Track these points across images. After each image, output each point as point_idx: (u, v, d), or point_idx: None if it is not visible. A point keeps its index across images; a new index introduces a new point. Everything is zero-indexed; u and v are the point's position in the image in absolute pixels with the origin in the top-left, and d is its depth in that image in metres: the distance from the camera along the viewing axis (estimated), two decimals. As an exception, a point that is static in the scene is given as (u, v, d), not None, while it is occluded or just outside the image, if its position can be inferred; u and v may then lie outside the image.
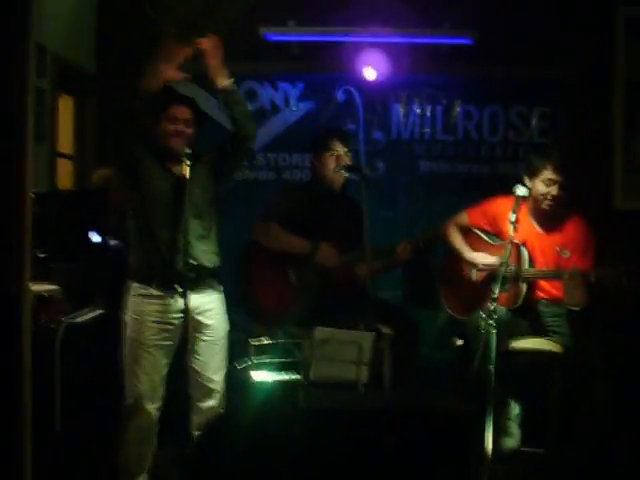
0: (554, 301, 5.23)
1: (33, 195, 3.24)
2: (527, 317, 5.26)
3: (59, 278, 4.83)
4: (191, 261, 4.58)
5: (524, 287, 5.17)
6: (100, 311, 5.09)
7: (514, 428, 5.35)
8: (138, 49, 6.22)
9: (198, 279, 4.67)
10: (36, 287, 4.45)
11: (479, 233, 5.50)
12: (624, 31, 6.99)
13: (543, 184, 5.16)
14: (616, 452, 5.13)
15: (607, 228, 5.88)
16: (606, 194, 6.98)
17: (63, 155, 6.71)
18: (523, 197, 4.94)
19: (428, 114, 7.32)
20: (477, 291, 5.31)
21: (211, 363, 4.77)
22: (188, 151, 4.55)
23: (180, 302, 4.54)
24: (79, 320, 4.83)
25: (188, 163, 4.52)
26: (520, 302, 5.17)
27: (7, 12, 2.82)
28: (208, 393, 4.77)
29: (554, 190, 5.14)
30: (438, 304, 5.64)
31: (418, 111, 7.31)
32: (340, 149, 5.64)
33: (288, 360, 5.31)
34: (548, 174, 5.15)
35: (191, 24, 6.05)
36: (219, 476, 4.61)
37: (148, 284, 4.64)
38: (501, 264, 4.83)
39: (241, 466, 4.73)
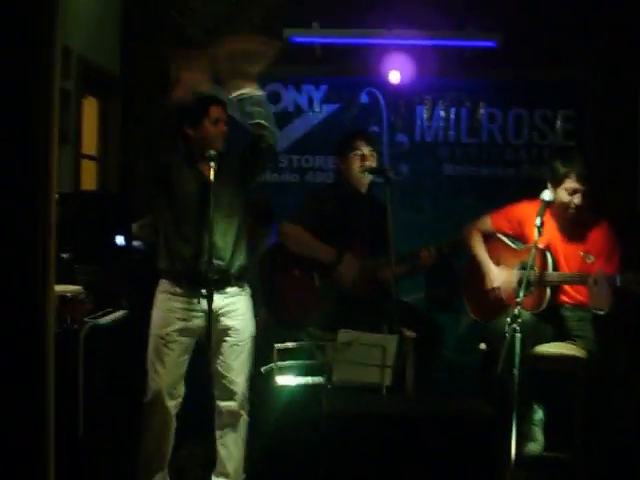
0: (578, 306, 5.20)
1: (57, 196, 3.25)
2: (551, 322, 5.23)
3: (83, 279, 4.85)
4: (217, 262, 4.59)
5: (548, 291, 5.14)
6: (123, 312, 5.10)
7: (538, 433, 5.33)
8: (163, 51, 6.26)
9: (223, 280, 4.68)
10: (60, 288, 4.47)
11: (503, 238, 5.47)
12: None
13: (566, 192, 5.12)
14: (638, 458, 5.10)
15: (633, 232, 5.86)
16: (632, 198, 6.95)
17: (87, 156, 6.73)
18: (549, 202, 4.91)
19: (452, 117, 7.32)
20: (499, 297, 5.28)
21: (234, 365, 4.77)
22: (213, 153, 4.55)
23: (204, 302, 4.55)
24: (102, 321, 4.84)
25: (213, 165, 4.53)
26: (544, 306, 5.14)
27: (33, 13, 2.83)
28: (231, 395, 4.77)
29: (577, 199, 5.11)
30: (461, 308, 5.63)
31: (442, 114, 7.31)
32: (365, 149, 5.62)
33: (312, 363, 5.31)
34: (571, 183, 5.10)
35: (215, 28, 6.07)
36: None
37: (175, 282, 4.67)
38: (524, 268, 4.81)
39: (265, 469, 4.75)
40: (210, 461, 4.87)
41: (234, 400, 4.77)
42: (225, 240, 4.70)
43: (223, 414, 4.79)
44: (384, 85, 7.14)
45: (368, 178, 5.61)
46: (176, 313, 4.65)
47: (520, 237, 5.37)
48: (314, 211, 5.64)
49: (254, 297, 4.94)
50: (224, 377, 4.76)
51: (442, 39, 7.02)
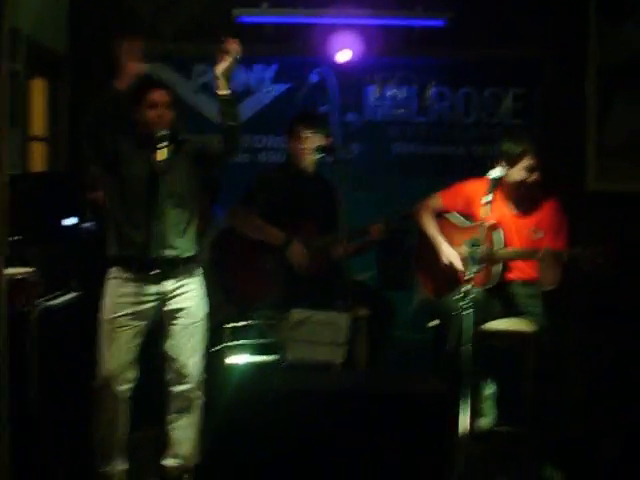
0: (528, 282, 5.26)
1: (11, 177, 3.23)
2: (501, 298, 5.29)
3: (33, 261, 4.82)
4: (167, 249, 4.58)
5: (498, 268, 5.19)
6: (75, 294, 5.08)
7: (489, 408, 5.39)
8: (110, 31, 6.21)
9: (174, 266, 4.65)
10: (10, 271, 4.44)
11: (453, 215, 5.51)
12: (596, 13, 7.02)
13: (524, 170, 5.16)
14: (589, 432, 5.18)
15: (580, 210, 5.92)
16: (579, 176, 7.03)
17: (36, 138, 6.68)
18: (497, 179, 4.95)
19: (402, 96, 7.34)
20: (452, 272, 5.32)
21: (185, 348, 4.74)
22: (163, 132, 4.52)
23: (154, 287, 4.56)
24: (54, 303, 4.83)
25: (164, 144, 4.49)
26: (494, 283, 5.20)
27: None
28: (184, 378, 4.75)
29: (534, 175, 5.16)
30: (413, 285, 5.66)
31: (392, 93, 7.32)
32: (307, 132, 5.66)
33: (263, 342, 5.33)
34: (529, 161, 5.16)
35: (165, 7, 6.03)
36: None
37: (125, 268, 4.63)
38: (474, 245, 4.85)
39: (218, 449, 4.76)
40: (164, 442, 4.86)
41: (187, 383, 4.75)
42: (175, 225, 4.66)
43: (177, 397, 4.77)
44: (334, 64, 7.13)
45: (315, 158, 5.63)
46: (127, 298, 4.60)
47: (469, 214, 5.41)
48: (263, 194, 5.67)
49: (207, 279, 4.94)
50: (176, 360, 4.73)
51: (391, 18, 7.03)
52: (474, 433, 4.99)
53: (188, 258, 4.73)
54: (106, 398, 4.62)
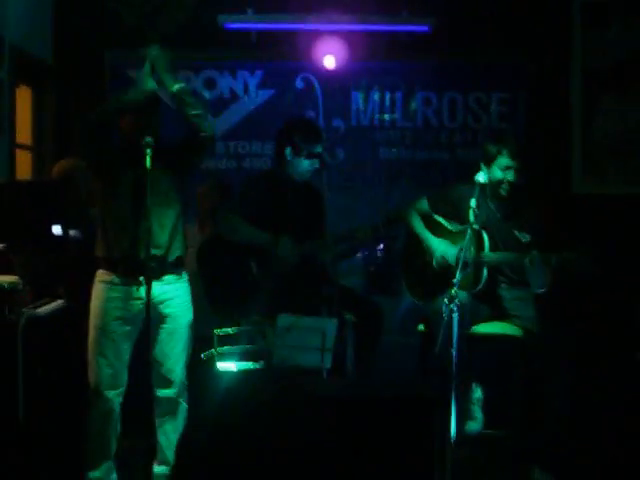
0: (515, 285, 5.28)
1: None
2: (488, 302, 5.30)
3: (20, 270, 4.82)
4: (154, 251, 4.58)
5: (485, 272, 5.20)
6: (61, 302, 5.08)
7: (477, 412, 5.39)
8: (96, 39, 6.23)
9: (160, 268, 4.66)
10: (-3, 279, 4.45)
11: (439, 219, 5.52)
12: (580, 17, 7.06)
13: (499, 170, 5.18)
14: (578, 434, 5.19)
15: (566, 213, 5.95)
16: (565, 179, 7.05)
17: (22, 146, 6.67)
18: (483, 183, 4.96)
19: (387, 101, 7.35)
20: (439, 276, 5.33)
21: (172, 353, 4.75)
22: (148, 140, 4.54)
23: (142, 290, 4.55)
24: (40, 311, 4.82)
25: (149, 152, 4.51)
26: (481, 287, 5.21)
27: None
28: (169, 383, 4.76)
29: (510, 176, 5.17)
30: (401, 290, 5.67)
31: (377, 98, 7.34)
32: (304, 143, 5.64)
33: (252, 348, 5.32)
34: (503, 160, 5.17)
35: (150, 15, 6.03)
36: (188, 465, 4.63)
37: (112, 272, 4.64)
38: (461, 249, 4.86)
39: (207, 455, 4.75)
40: (153, 450, 4.86)
41: (172, 388, 4.77)
42: (162, 228, 4.68)
43: (162, 402, 4.79)
44: (319, 70, 7.15)
45: (310, 167, 5.62)
46: (114, 302, 4.62)
47: (456, 219, 5.42)
48: (249, 199, 5.66)
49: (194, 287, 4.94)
50: (162, 365, 4.74)
51: (376, 24, 7.05)
52: (462, 436, 5.00)
53: (176, 261, 4.75)
54: (98, 403, 4.63)
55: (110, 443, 4.71)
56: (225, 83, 7.22)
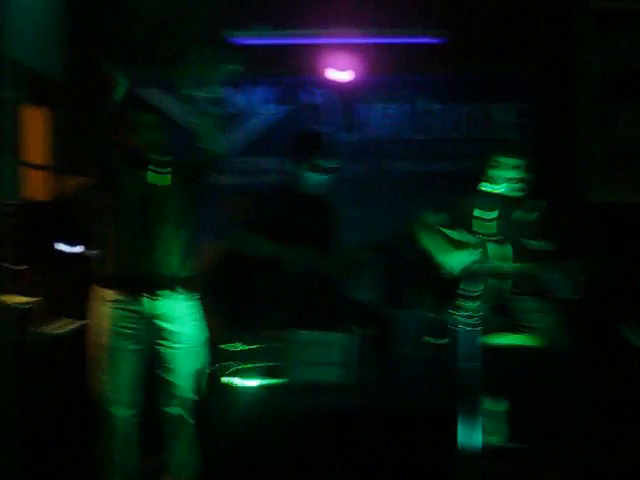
0: (532, 296, 5.29)
1: (15, 207, 3.25)
2: (505, 313, 5.32)
3: (41, 290, 4.83)
4: (160, 268, 4.60)
5: (501, 283, 5.22)
6: (81, 322, 5.09)
7: (499, 425, 5.40)
8: (107, 57, 6.23)
9: (166, 286, 4.65)
10: (18, 299, 4.46)
11: (448, 231, 5.54)
12: (591, 25, 7.07)
13: (506, 181, 5.21)
14: (600, 447, 5.20)
15: (573, 222, 5.97)
16: (575, 187, 7.06)
17: (36, 166, 6.69)
18: (490, 194, 4.98)
19: (394, 113, 7.37)
20: (450, 288, 5.35)
21: (179, 371, 4.72)
22: (155, 157, 4.57)
23: (144, 308, 4.57)
24: (62, 331, 4.83)
25: (157, 169, 4.54)
26: (497, 299, 5.22)
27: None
28: (176, 400, 4.73)
29: (517, 188, 5.20)
30: (415, 303, 5.68)
31: (384, 111, 7.36)
32: (320, 159, 5.66)
33: (266, 365, 5.34)
34: (510, 172, 5.20)
35: (159, 31, 6.06)
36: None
37: (111, 288, 4.60)
38: (475, 261, 4.88)
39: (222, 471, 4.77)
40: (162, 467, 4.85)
41: (179, 406, 4.74)
42: (170, 246, 4.68)
43: (170, 420, 4.75)
44: (329, 84, 7.17)
45: (324, 181, 5.65)
46: (112, 320, 4.58)
47: (465, 230, 5.44)
48: (263, 215, 5.67)
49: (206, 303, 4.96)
50: (168, 383, 4.72)
51: (385, 37, 7.07)
52: (485, 450, 5.02)
53: (184, 279, 4.74)
54: (107, 425, 4.59)
55: (126, 464, 4.66)
56: (232, 99, 7.23)
